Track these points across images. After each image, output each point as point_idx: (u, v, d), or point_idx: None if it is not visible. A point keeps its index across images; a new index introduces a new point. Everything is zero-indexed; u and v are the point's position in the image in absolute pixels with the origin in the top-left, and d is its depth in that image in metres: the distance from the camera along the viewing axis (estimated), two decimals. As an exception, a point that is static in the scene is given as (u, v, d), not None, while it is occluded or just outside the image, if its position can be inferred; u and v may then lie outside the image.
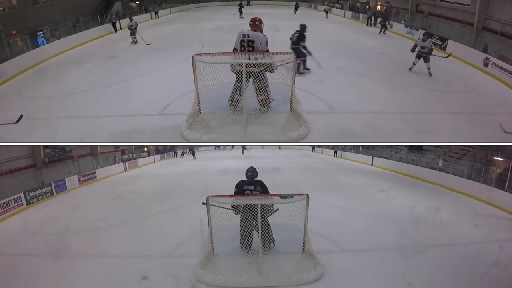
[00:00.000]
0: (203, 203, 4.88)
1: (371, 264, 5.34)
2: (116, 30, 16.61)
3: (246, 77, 5.31)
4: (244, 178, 5.31)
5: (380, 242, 6.20)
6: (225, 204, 4.89)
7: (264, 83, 5.50)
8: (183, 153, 24.93)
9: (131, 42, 13.53)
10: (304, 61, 8.27)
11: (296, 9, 24.05)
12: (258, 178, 5.32)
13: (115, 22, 16.62)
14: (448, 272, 5.05)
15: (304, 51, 8.16)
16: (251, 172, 5.29)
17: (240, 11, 21.05)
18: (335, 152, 23.24)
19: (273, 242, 5.36)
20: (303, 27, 8.27)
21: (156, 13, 22.38)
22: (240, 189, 5.16)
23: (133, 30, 13.53)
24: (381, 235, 6.62)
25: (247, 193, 5.08)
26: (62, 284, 4.97)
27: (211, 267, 4.94)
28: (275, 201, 4.87)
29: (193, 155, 23.79)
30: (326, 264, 5.07)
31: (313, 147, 24.90)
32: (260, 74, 5.36)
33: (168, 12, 24.15)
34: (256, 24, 5.48)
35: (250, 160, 18.21)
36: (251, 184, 5.18)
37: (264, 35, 5.47)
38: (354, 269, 5.12)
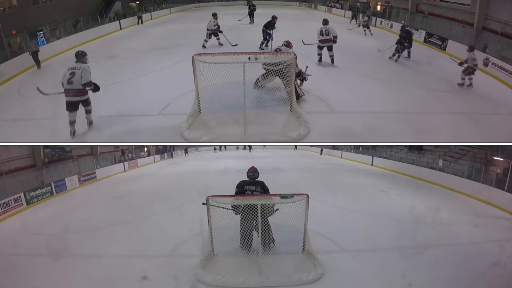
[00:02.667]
0: (203, 203, 4.88)
1: (371, 264, 5.34)
2: (39, 66, 11.07)
3: (271, 75, 6.23)
4: (245, 178, 5.31)
5: (380, 242, 6.20)
6: (225, 204, 4.89)
7: (289, 77, 5.83)
8: (186, 150, 26.22)
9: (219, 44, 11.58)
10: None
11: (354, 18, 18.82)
12: (259, 179, 5.32)
13: (36, 51, 10.93)
14: (448, 272, 5.04)
15: None
16: (252, 172, 5.29)
17: (251, 15, 16.97)
18: (321, 150, 23.23)
19: (273, 242, 5.36)
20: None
21: (140, 17, 19.19)
22: (241, 189, 5.16)
23: (214, 31, 11.38)
24: (381, 235, 6.62)
25: (248, 193, 5.08)
26: (62, 284, 4.97)
27: (211, 267, 4.94)
28: (275, 201, 4.87)
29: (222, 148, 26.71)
30: (326, 264, 5.07)
31: (321, 149, 24.62)
32: (281, 71, 5.81)
33: (168, 12, 24.10)
34: (290, 45, 7.45)
35: (250, 160, 18.20)
36: (252, 184, 5.18)
37: (292, 51, 6.67)
38: (354, 269, 5.12)
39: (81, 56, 5.75)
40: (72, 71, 5.54)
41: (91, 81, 5.57)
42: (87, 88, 5.58)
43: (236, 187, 5.22)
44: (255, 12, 17.23)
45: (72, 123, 5.64)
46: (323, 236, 6.22)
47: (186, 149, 26.26)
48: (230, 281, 4.67)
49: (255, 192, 5.08)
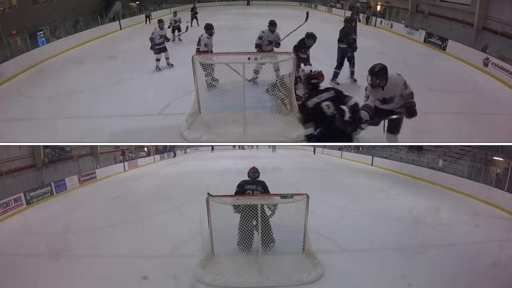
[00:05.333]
0: (208, 194, 4.84)
1: (371, 264, 5.34)
2: None
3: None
4: (246, 178, 5.31)
5: (380, 242, 6.20)
6: (225, 204, 4.88)
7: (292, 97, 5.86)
8: (212, 148, 27.34)
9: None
10: None
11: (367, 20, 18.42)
12: (259, 179, 5.32)
13: None
14: (448, 272, 5.04)
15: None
16: (253, 172, 5.29)
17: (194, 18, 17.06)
18: (314, 149, 23.48)
19: (273, 242, 5.35)
20: None
21: (147, 16, 19.10)
22: (242, 188, 5.15)
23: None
24: (381, 235, 6.62)
25: (248, 193, 5.07)
26: (62, 284, 4.97)
27: (211, 267, 4.94)
28: (275, 201, 4.87)
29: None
30: (326, 264, 5.07)
31: (314, 149, 24.87)
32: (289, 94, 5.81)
33: (168, 12, 24.12)
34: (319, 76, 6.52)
35: (251, 160, 18.20)
36: (252, 183, 5.17)
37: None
38: (354, 269, 5.12)
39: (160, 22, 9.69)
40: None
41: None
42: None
43: (237, 186, 5.22)
44: (197, 15, 17.40)
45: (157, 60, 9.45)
46: (323, 236, 6.22)
47: (212, 147, 26.98)
48: (230, 281, 4.67)
49: (256, 192, 5.07)
